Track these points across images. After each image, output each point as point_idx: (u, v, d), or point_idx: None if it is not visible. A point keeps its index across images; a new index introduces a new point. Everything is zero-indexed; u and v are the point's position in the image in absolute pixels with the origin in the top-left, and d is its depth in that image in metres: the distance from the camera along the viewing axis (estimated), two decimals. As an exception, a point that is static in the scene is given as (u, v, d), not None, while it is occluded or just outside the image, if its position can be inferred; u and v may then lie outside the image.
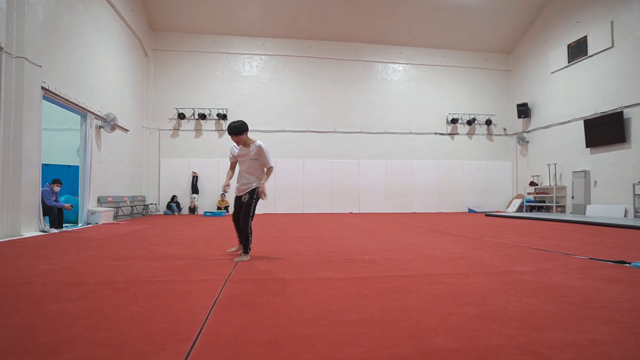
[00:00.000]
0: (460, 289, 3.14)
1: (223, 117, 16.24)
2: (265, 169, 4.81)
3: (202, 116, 16.15)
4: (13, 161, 7.43)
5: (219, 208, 15.76)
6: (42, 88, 8.28)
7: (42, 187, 8.51)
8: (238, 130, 4.66)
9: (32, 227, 7.83)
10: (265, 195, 4.71)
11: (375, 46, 17.87)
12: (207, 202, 16.18)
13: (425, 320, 2.36)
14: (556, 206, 15.70)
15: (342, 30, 17.07)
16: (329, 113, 17.36)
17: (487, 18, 16.98)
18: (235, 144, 4.84)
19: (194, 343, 1.97)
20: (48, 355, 1.83)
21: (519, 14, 17.05)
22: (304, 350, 1.90)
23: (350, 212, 16.71)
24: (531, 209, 16.94)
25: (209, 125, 16.56)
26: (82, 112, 10.39)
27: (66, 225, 9.30)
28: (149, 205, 15.57)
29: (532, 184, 17.10)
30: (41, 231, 8.00)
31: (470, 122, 18.09)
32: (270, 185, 16.09)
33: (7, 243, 6.26)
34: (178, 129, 16.39)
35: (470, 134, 18.46)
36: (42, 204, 8.32)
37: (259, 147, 4.69)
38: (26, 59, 7.59)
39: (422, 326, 2.25)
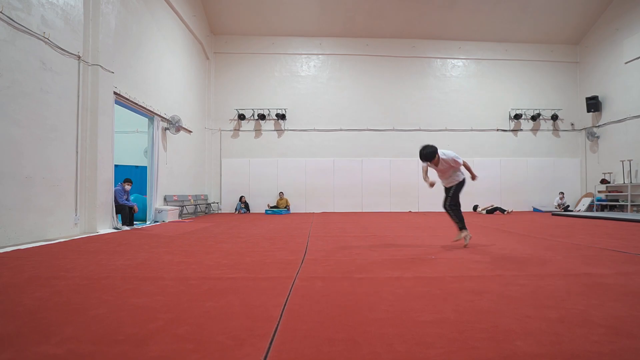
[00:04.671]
0: (535, 291, 3.00)
1: (282, 117, 16.48)
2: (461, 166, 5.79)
3: (262, 116, 16.45)
4: (89, 162, 7.90)
5: (275, 207, 15.94)
6: (114, 93, 8.75)
7: (115, 186, 8.97)
8: (432, 156, 5.51)
9: (106, 224, 8.29)
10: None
11: (433, 42, 17.48)
12: (268, 200, 16.43)
13: (503, 323, 2.27)
14: (631, 205, 14.70)
15: (399, 27, 16.82)
16: (387, 111, 17.17)
17: (552, 8, 16.16)
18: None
19: (272, 339, 2.00)
20: (137, 346, 1.92)
21: (588, 2, 16.11)
22: (382, 349, 1.88)
23: (410, 211, 16.46)
24: (602, 208, 15.97)
25: (268, 125, 16.86)
26: (150, 114, 10.88)
27: (136, 222, 9.76)
28: (211, 204, 16.07)
29: (603, 181, 16.09)
30: (114, 228, 8.45)
31: (534, 118, 17.28)
32: (328, 184, 16.40)
33: (85, 239, 6.66)
34: (238, 130, 16.80)
35: (534, 129, 17.65)
36: (114, 203, 8.78)
37: (447, 158, 5.58)
38: (100, 66, 8.05)
39: (500, 329, 2.17)
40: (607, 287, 3.14)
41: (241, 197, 16.07)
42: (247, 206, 16.09)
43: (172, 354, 1.82)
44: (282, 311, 2.50)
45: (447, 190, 5.88)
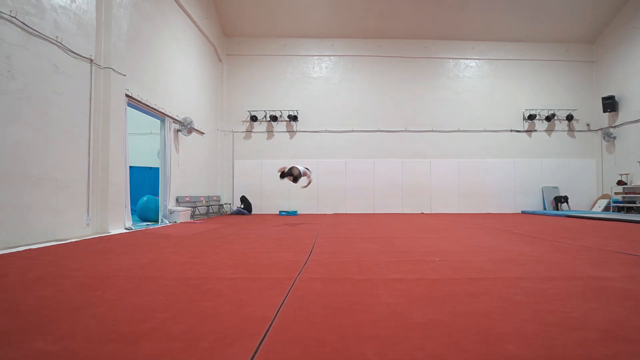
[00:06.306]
0: (537, 294, 2.96)
1: (294, 118, 16.53)
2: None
3: (274, 118, 16.51)
4: (101, 164, 8.02)
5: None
6: (126, 95, 8.87)
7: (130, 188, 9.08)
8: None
9: (118, 224, 8.41)
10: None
11: (446, 42, 17.37)
12: (280, 201, 16.48)
13: (497, 326, 2.25)
14: (649, 207, 14.42)
15: (411, 27, 16.77)
16: (400, 112, 17.10)
17: (567, 7, 15.95)
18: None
19: (263, 339, 2.01)
20: (129, 345, 1.96)
21: (604, 1, 15.88)
22: (369, 350, 1.88)
23: (422, 213, 16.38)
24: (619, 209, 15.68)
25: (280, 126, 16.92)
26: (161, 116, 11.01)
27: (147, 223, 9.87)
28: (224, 205, 16.17)
29: (620, 182, 15.80)
30: (126, 229, 8.57)
31: (549, 118, 17.05)
32: (340, 185, 16.47)
33: (97, 239, 6.77)
34: (250, 131, 16.89)
35: (549, 130, 17.40)
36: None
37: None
38: (112, 69, 8.18)
39: (494, 332, 2.15)
40: (611, 290, 3.09)
41: (241, 197, 16.10)
42: (248, 206, 15.91)
43: (162, 353, 1.85)
44: (277, 312, 2.51)
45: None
